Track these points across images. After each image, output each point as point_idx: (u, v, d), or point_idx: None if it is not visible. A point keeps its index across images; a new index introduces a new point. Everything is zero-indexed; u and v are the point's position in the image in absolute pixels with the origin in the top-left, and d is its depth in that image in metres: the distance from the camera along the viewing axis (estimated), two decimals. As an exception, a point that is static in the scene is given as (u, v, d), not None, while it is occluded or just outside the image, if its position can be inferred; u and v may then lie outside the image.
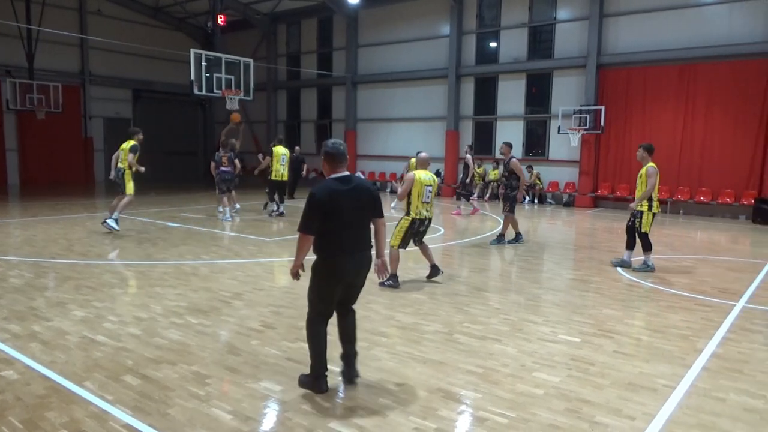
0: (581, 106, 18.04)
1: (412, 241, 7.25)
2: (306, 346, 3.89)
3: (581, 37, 18.34)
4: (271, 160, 13.48)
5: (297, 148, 19.05)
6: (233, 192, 13.42)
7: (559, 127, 18.38)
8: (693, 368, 4.45)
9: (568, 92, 18.85)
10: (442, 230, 12.21)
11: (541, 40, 19.73)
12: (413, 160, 12.00)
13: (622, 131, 17.74)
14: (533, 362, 4.52)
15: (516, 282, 7.70)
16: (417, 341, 4.97)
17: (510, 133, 20.38)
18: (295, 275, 3.97)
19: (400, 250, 7.13)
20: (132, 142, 10.83)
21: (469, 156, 15.41)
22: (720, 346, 4.99)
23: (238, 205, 14.08)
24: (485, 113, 21.10)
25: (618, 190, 17.87)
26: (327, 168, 3.88)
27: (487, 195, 20.01)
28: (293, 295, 6.45)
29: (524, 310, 6.11)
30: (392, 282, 6.88)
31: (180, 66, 22.76)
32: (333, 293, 3.92)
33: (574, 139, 18.03)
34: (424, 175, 7.07)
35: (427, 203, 7.09)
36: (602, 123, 17.61)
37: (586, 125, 17.71)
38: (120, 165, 10.79)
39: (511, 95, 20.32)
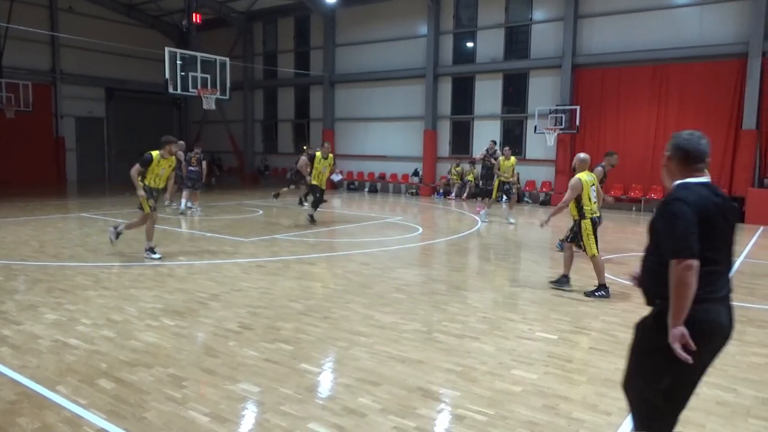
0: (557, 105, 18.25)
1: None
2: (285, 347, 3.85)
3: (557, 37, 18.56)
4: (311, 164, 12.68)
5: (305, 147, 18.54)
6: (198, 192, 14.11)
7: (535, 127, 18.59)
8: (667, 363, 4.53)
9: (544, 92, 19.06)
10: (420, 229, 12.25)
11: (517, 40, 19.91)
12: (318, 153, 12.26)
13: (597, 131, 18.00)
14: (511, 360, 4.56)
15: (494, 280, 7.76)
16: (396, 340, 4.97)
17: (487, 132, 20.55)
18: (681, 339, 2.47)
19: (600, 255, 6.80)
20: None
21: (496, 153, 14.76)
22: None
23: (199, 208, 14.23)
24: (463, 113, 21.22)
25: (593, 189, 18.09)
26: (675, 170, 2.79)
27: (465, 194, 20.12)
28: (270, 295, 6.41)
29: (502, 308, 6.16)
30: (604, 293, 6.63)
31: (154, 64, 22.42)
32: (694, 374, 2.72)
33: (550, 139, 18.24)
34: (588, 177, 6.95)
35: (596, 203, 6.97)
36: (577, 123, 17.84)
37: (561, 125, 17.94)
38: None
39: (488, 95, 20.48)
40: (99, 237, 10.12)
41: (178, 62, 14.92)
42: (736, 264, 8.94)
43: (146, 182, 8.21)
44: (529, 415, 3.61)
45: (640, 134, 17.20)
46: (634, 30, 17.20)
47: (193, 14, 19.28)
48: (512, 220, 13.48)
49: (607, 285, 6.77)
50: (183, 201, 13.94)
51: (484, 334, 5.18)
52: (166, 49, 14.87)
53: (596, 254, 6.82)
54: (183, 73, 15.13)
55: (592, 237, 6.87)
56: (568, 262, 7.13)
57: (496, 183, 13.65)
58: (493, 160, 13.97)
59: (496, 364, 4.47)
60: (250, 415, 3.61)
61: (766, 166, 15.54)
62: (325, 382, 4.15)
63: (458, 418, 3.57)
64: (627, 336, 5.18)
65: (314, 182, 12.19)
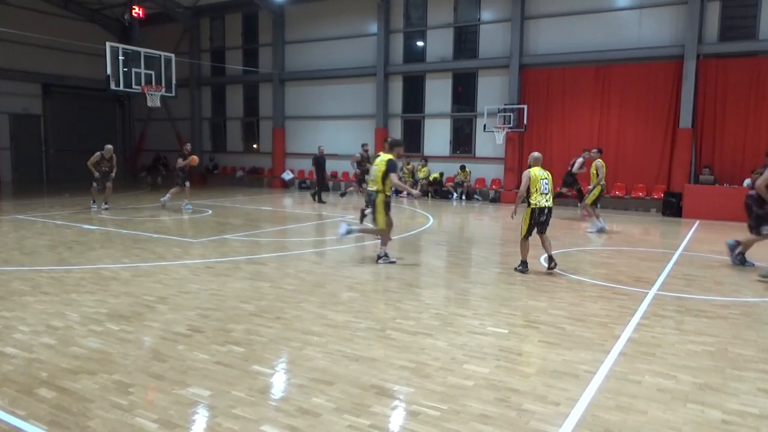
0: (505, 105, 18.62)
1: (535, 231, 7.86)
2: (236, 348, 3.78)
3: (504, 38, 18.93)
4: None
5: (320, 147, 18.77)
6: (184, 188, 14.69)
7: (484, 126, 18.91)
8: (611, 354, 4.70)
9: (492, 91, 19.41)
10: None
11: (466, 40, 20.20)
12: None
13: (544, 129, 18.48)
14: (463, 355, 4.62)
15: (446, 277, 7.85)
16: (349, 339, 4.96)
17: (438, 131, 20.79)
18: None
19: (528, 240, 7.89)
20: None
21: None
22: (635, 332, 5.30)
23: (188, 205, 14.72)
24: (413, 111, 21.37)
25: (540, 186, 18.56)
26: None
27: (416, 192, 20.25)
28: (221, 297, 6.28)
29: (454, 304, 6.24)
30: (522, 267, 7.85)
31: (95, 60, 21.55)
32: None
33: (499, 137, 18.60)
34: (539, 171, 7.83)
35: (545, 194, 7.73)
36: (525, 121, 18.26)
37: (510, 123, 18.31)
38: None
39: (439, 94, 20.70)
40: (36, 240, 9.67)
41: (120, 58, 14.41)
42: (674, 257, 9.37)
43: None
44: (481, 408, 3.67)
45: (584, 133, 17.75)
46: (577, 32, 17.74)
47: (134, 7, 18.64)
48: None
49: (527, 262, 7.95)
50: (168, 195, 14.93)
51: (437, 331, 5.23)
52: (107, 44, 14.35)
53: (524, 237, 7.90)
54: (126, 69, 14.63)
55: (528, 222, 7.84)
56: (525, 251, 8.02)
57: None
58: (368, 164, 13.52)
59: (449, 359, 4.52)
60: (200, 419, 3.52)
61: (701, 163, 16.33)
62: (278, 383, 4.10)
63: (412, 414, 3.59)
64: (574, 328, 5.36)
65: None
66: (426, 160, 20.55)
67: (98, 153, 14.12)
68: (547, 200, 7.77)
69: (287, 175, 23.76)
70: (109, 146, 14.47)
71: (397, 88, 21.56)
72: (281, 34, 23.69)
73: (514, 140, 18.72)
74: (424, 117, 21.15)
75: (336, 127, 22.96)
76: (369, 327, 5.31)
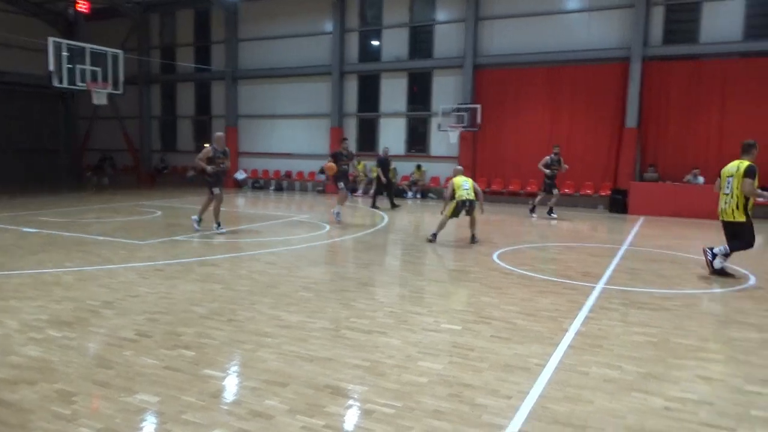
0: (459, 104, 18.87)
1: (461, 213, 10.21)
2: (187, 353, 3.70)
3: (458, 38, 19.17)
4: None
5: (386, 148, 17.37)
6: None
7: (439, 125, 19.12)
8: (560, 346, 4.82)
9: (447, 91, 19.64)
10: (327, 227, 12.21)
11: (421, 40, 20.36)
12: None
13: (497, 129, 18.82)
14: (417, 352, 4.65)
15: (400, 275, 7.88)
16: (304, 339, 4.92)
17: (393, 130, 20.88)
18: None
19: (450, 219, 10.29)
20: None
21: None
22: (583, 325, 5.45)
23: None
24: (369, 110, 21.40)
25: (494, 184, 18.92)
26: None
27: (372, 191, 20.29)
28: (170, 300, 6.12)
29: (408, 302, 6.27)
30: (432, 238, 10.21)
31: (38, 55, 20.66)
32: None
33: (453, 136, 18.83)
34: (459, 179, 10.24)
35: (467, 189, 10.07)
36: (479, 121, 18.54)
37: (464, 123, 18.56)
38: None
39: (394, 93, 20.79)
40: (-27, 244, 9.20)
41: (64, 53, 13.87)
42: (620, 252, 9.70)
43: None
44: (435, 404, 3.70)
45: (537, 132, 18.18)
46: (530, 33, 18.13)
47: (81, 2, 17.98)
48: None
49: (437, 235, 10.29)
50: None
51: (391, 329, 5.25)
52: (50, 39, 13.79)
53: (446, 217, 10.23)
54: (70, 66, 14.10)
55: (453, 209, 10.11)
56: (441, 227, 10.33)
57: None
58: (346, 161, 13.19)
59: (403, 357, 4.54)
60: (148, 427, 3.42)
61: (645, 161, 16.95)
62: (230, 387, 4.02)
63: (367, 413, 3.59)
64: (525, 323, 5.47)
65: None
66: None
67: (209, 147, 10.67)
68: (468, 195, 10.05)
69: (240, 175, 23.40)
70: (220, 134, 11.15)
71: (352, 87, 21.55)
72: (234, 32, 23.31)
73: (468, 139, 18.98)
74: (379, 116, 21.20)
75: (291, 127, 22.77)
76: (323, 327, 5.28)
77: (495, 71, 18.77)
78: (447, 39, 19.52)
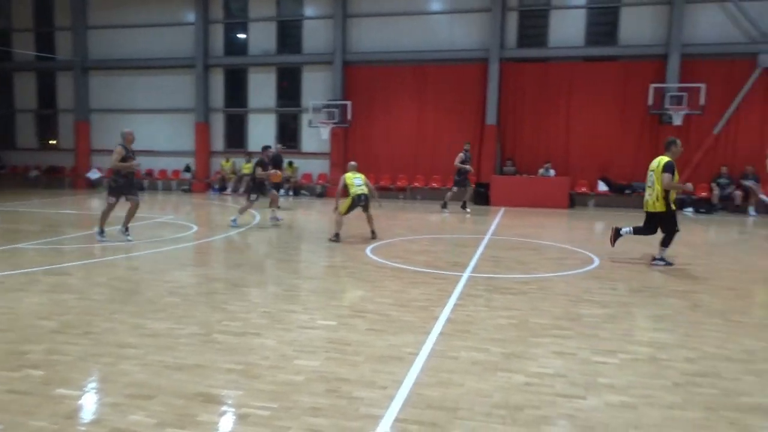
0: (329, 100, 18.91)
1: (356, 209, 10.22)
2: (35, 372, 3.31)
3: (327, 34, 19.19)
4: None
5: (278, 145, 16.94)
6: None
7: (310, 121, 19.02)
8: (432, 334, 5.02)
9: (317, 87, 19.59)
10: (195, 227, 11.65)
11: (289, 35, 20.09)
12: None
13: (368, 125, 19.14)
14: (293, 351, 4.59)
15: (274, 274, 7.73)
16: (171, 347, 4.64)
17: (263, 126, 20.42)
18: None
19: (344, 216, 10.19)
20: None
21: None
22: (452, 312, 5.73)
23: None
24: (237, 106, 20.73)
25: (366, 180, 19.23)
26: None
27: (242, 189, 19.71)
28: (13, 315, 5.47)
29: (283, 301, 6.17)
30: (335, 238, 9.95)
31: None
32: None
33: (325, 133, 18.85)
34: (351, 174, 10.27)
35: (360, 186, 10.08)
36: (349, 117, 18.72)
37: (335, 119, 18.64)
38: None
39: (263, 88, 20.34)
40: None
41: None
42: (484, 241, 10.32)
43: None
44: (312, 401, 3.67)
45: (405, 129, 18.77)
46: (397, 32, 18.63)
47: None
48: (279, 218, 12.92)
49: (339, 234, 10.10)
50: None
51: (266, 329, 5.13)
52: None
53: (341, 214, 10.11)
54: None
55: (348, 205, 10.08)
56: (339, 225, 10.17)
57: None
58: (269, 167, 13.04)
59: (279, 357, 4.45)
60: (-12, 459, 3.03)
61: (504, 156, 18.19)
62: (89, 405, 3.68)
63: (242, 418, 3.47)
64: (398, 314, 5.62)
65: None
66: (250, 155, 20.07)
67: (120, 146, 9.41)
68: (362, 190, 10.05)
69: (93, 174, 21.53)
70: (128, 130, 9.77)
71: (218, 81, 20.73)
72: (83, 17, 21.35)
73: (339, 135, 19.10)
74: (247, 112, 20.62)
75: (151, 122, 21.38)
76: (193, 333, 5.02)
77: (364, 68, 19.06)
78: (316, 35, 19.47)
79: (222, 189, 20.18)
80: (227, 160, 20.21)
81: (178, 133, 21.09)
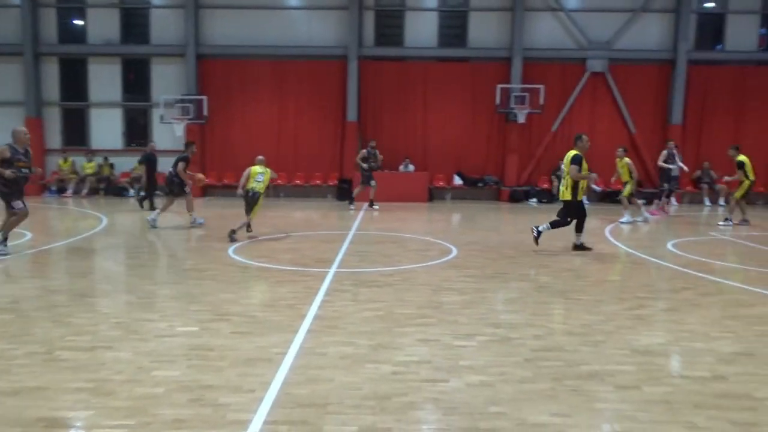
0: (183, 95, 17.93)
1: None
2: None
3: (178, 25, 18.15)
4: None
5: (152, 142, 15.13)
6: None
7: (161, 116, 17.87)
8: (300, 332, 4.98)
9: (169, 80, 18.47)
10: (30, 234, 10.43)
11: (135, 24, 18.69)
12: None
13: (227, 121, 18.45)
14: (151, 362, 4.29)
15: (127, 281, 7.17)
16: (5, 370, 4.10)
17: (107, 122, 18.81)
18: None
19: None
20: None
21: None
22: (320, 309, 5.72)
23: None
24: (75, 99, 18.86)
25: (225, 178, 18.54)
26: None
27: (85, 191, 18.00)
28: None
29: (138, 309, 5.74)
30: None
31: None
32: None
33: (179, 129, 17.83)
34: (257, 167, 10.33)
35: (259, 182, 10.14)
36: (205, 113, 17.90)
37: (189, 115, 17.71)
38: None
39: (106, 80, 18.72)
40: None
41: None
42: (349, 237, 10.45)
43: None
44: (174, 413, 3.46)
45: (266, 125, 18.38)
46: (254, 26, 18.13)
47: None
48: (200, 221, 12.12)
49: (246, 226, 10.05)
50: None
51: (119, 341, 4.74)
52: None
53: (251, 218, 10.16)
54: None
55: (261, 204, 10.26)
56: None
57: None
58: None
59: (135, 369, 4.13)
60: None
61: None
62: None
63: (93, 440, 3.17)
64: (265, 314, 5.49)
65: None
66: (93, 153, 18.43)
67: (5, 146, 8.36)
68: (257, 186, 10.10)
69: None
70: (20, 128, 8.95)
71: (52, 71, 18.71)
72: None
73: (195, 132, 18.17)
74: (89, 106, 18.85)
75: (-30, 116, 18.70)
76: (31, 352, 4.48)
77: (220, 62, 18.33)
78: (165, 24, 18.31)
79: (61, 191, 18.26)
80: (65, 160, 18.34)
81: (4, 128, 18.70)
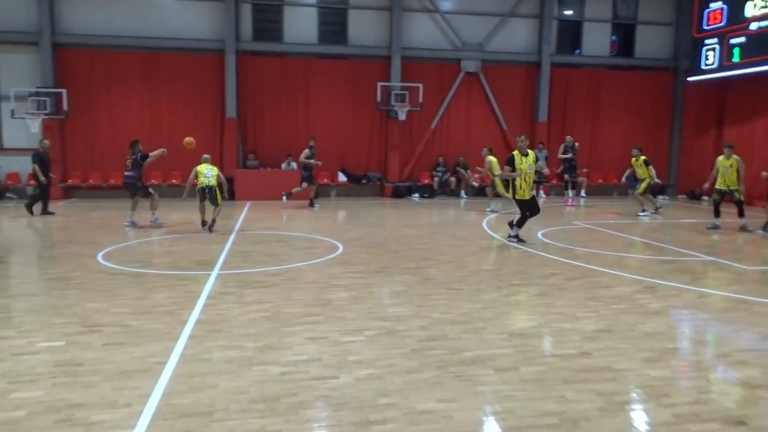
0: (38, 87, 16.26)
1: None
2: None
3: (29, 10, 16.40)
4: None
5: (44, 141, 13.46)
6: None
7: (12, 111, 16.08)
8: (181, 339, 4.72)
9: (20, 72, 16.65)
10: None
11: (-24, 6, 16.61)
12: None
13: (89, 117, 17.01)
14: (9, 383, 3.85)
15: (-24, 295, 6.37)
16: None
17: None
18: None
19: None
20: None
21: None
22: (202, 313, 5.47)
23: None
24: None
25: (91, 178, 17.13)
26: None
27: (34, 193, 15.75)
28: None
29: (-10, 325, 5.13)
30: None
31: None
32: None
33: (34, 125, 16.13)
34: (203, 165, 11.08)
35: (208, 177, 10.89)
36: (65, 107, 16.38)
37: (46, 109, 16.11)
38: None
39: (-59, 69, 16.48)
40: None
41: None
42: (231, 237, 10.10)
43: None
44: (37, 439, 3.13)
45: (136, 122, 17.19)
46: (120, 15, 16.87)
47: None
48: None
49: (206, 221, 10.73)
50: None
51: (-33, 363, 4.20)
52: None
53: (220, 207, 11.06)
54: None
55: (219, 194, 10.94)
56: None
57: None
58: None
59: (-12, 393, 3.69)
60: None
61: (246, 149, 18.02)
62: None
63: (-64, 478, 2.78)
64: (140, 323, 5.15)
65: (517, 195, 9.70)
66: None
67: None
68: (208, 182, 10.78)
69: None
70: None
71: None
72: None
73: (53, 128, 16.56)
74: None
75: None
76: None
77: (82, 52, 16.84)
78: (13, 9, 16.43)
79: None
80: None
81: None
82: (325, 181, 18.40)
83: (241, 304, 5.80)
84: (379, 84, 17.96)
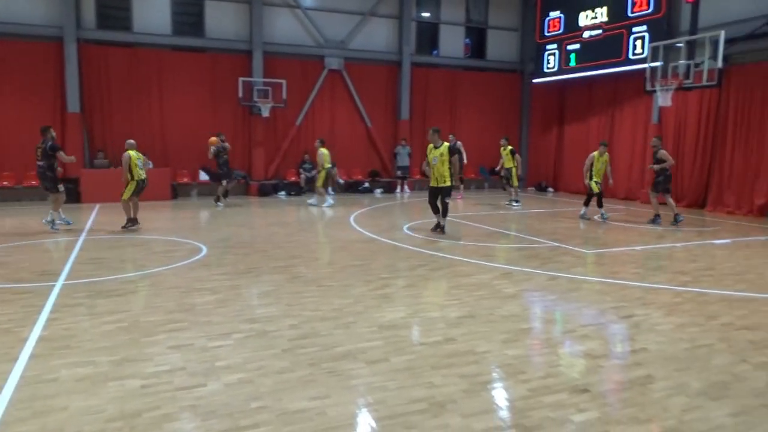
0: None
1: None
2: None
3: None
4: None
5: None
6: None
7: None
8: (20, 360, 4.21)
9: None
10: None
11: None
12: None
13: None
14: None
15: None
16: None
17: None
18: None
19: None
20: None
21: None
22: (46, 329, 4.92)
23: None
24: None
25: None
26: None
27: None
28: None
29: None
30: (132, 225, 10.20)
31: None
32: None
33: None
34: (134, 153, 10.40)
35: (142, 169, 10.43)
36: None
37: None
38: None
39: None
40: None
41: None
42: (79, 243, 9.21)
43: None
44: None
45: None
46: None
47: None
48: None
49: (134, 219, 10.40)
50: None
51: None
52: None
53: (126, 200, 10.41)
54: None
55: (132, 189, 10.44)
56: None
57: None
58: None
59: None
60: None
61: (93, 147, 16.53)
62: None
63: None
64: (9, 327, 4.51)
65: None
66: None
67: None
68: (144, 174, 10.47)
69: None
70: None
71: None
72: None
73: None
74: None
75: None
76: None
77: None
78: None
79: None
80: None
81: None
82: (185, 180, 17.48)
83: (92, 316, 5.31)
84: (241, 79, 17.41)
